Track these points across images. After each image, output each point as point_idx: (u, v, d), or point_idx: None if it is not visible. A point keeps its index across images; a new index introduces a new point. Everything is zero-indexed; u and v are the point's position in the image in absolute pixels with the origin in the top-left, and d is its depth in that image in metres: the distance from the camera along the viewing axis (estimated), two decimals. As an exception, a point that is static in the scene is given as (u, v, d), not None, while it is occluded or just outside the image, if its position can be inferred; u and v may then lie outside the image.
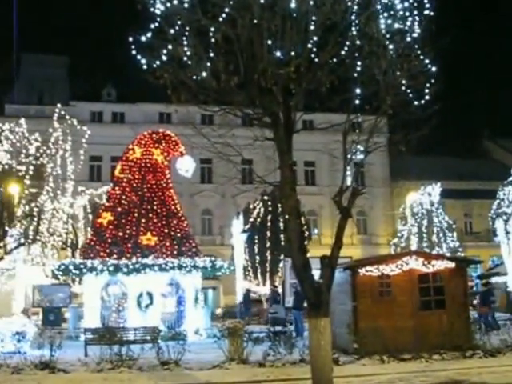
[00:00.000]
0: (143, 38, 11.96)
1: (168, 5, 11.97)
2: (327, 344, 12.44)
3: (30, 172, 23.19)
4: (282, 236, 42.06)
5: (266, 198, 46.25)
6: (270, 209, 46.21)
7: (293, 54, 12.18)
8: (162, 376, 17.68)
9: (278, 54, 12.19)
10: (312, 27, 12.20)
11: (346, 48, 12.46)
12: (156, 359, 19.05)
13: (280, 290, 36.41)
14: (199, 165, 49.90)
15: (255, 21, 11.99)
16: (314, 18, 12.17)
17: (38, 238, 23.73)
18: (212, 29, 12.05)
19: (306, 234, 40.10)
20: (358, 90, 12.74)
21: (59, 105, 24.82)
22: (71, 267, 29.63)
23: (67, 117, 24.59)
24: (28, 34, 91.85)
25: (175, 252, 29.49)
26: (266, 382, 16.69)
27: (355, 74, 12.69)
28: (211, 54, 12.16)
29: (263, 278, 45.99)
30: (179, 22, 12.11)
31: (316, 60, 12.43)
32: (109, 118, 64.44)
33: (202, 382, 16.82)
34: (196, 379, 17.24)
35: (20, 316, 27.26)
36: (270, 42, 12.09)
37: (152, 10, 12.02)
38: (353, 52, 12.58)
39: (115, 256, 28.80)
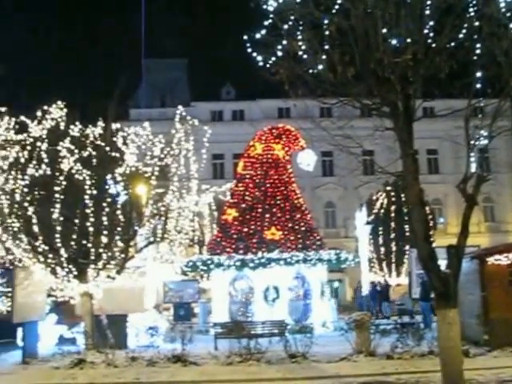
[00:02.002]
0: (258, 36, 12.07)
1: (280, 0, 12.04)
2: (456, 335, 12.19)
3: (156, 173, 23.78)
4: (406, 226, 41.50)
5: (388, 188, 45.73)
6: (393, 199, 45.80)
7: (409, 41, 11.99)
8: (290, 369, 17.84)
9: (394, 41, 12.03)
10: (427, 12, 11.96)
11: (464, 31, 12.10)
12: (284, 352, 19.25)
13: (406, 281, 35.94)
14: (320, 158, 49.65)
15: (369, 10, 11.88)
16: (429, 2, 11.93)
17: (165, 236, 24.28)
18: (325, 21, 12.02)
19: (431, 223, 39.44)
20: (478, 74, 12.37)
21: (180, 106, 25.29)
22: (199, 263, 30.34)
23: (188, 117, 25.03)
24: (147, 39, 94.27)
25: (300, 246, 29.66)
26: (394, 375, 16.56)
27: (475, 57, 12.32)
28: (326, 47, 12.12)
29: (389, 269, 45.57)
30: (292, 17, 12.15)
31: (433, 45, 12.17)
32: (229, 116, 65.56)
33: (330, 375, 16.85)
34: (324, 372, 17.30)
35: (152, 311, 28.12)
36: (384, 30, 11.94)
37: (265, 7, 12.11)
38: (471, 34, 12.19)
39: (241, 251, 29.27)
